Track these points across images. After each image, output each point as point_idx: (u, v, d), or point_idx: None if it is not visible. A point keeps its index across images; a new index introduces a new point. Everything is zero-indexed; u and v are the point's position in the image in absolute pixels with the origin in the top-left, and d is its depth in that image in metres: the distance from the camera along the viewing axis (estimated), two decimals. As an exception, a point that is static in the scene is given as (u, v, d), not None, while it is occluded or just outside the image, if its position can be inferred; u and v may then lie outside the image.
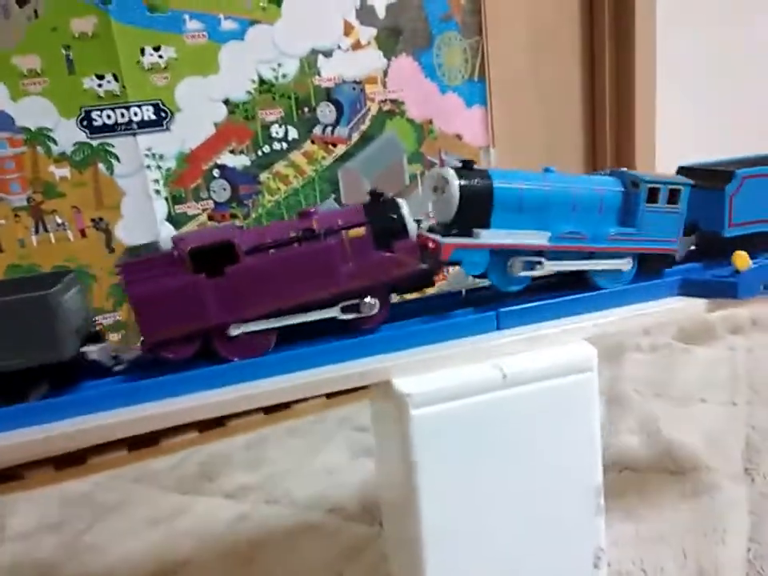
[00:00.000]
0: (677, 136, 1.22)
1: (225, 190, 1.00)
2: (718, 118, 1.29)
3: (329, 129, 1.05)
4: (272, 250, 0.46)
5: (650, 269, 0.56)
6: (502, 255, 0.51)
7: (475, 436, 0.47)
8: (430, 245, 0.49)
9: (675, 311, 0.54)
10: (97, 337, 0.49)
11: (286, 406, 1.06)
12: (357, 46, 1.04)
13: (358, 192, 1.08)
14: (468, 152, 1.15)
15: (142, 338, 0.46)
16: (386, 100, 1.07)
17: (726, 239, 0.57)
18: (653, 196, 0.53)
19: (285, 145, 1.02)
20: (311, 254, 0.46)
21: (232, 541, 0.79)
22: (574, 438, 0.50)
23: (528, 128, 1.20)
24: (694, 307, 0.54)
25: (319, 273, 0.46)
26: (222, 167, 0.99)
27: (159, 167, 0.96)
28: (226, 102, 0.98)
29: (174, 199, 0.98)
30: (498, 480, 0.49)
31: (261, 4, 0.97)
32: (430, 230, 0.51)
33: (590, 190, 0.53)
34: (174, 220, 0.98)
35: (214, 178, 0.99)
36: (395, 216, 0.49)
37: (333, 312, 0.48)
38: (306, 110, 1.02)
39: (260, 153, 1.01)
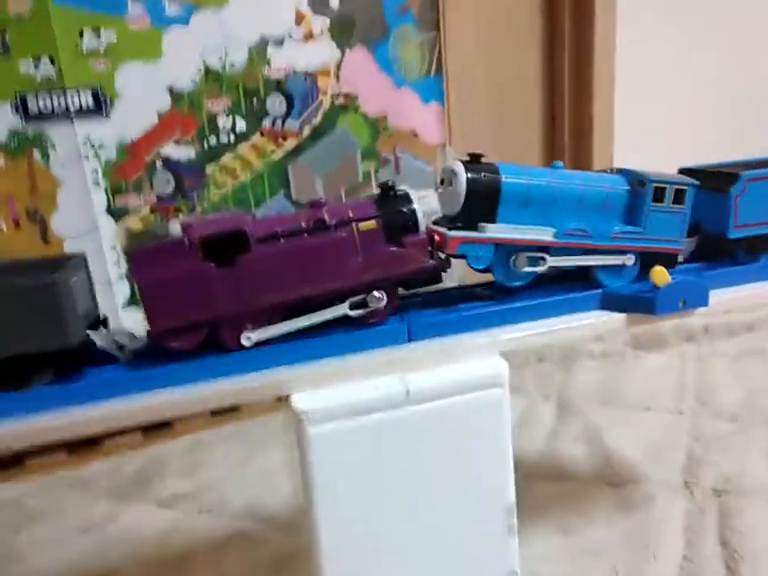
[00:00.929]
0: (635, 133, 1.21)
1: (169, 182, 0.97)
2: (677, 116, 1.28)
3: (279, 121, 1.02)
4: (282, 240, 0.45)
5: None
6: (506, 250, 0.50)
7: (377, 454, 0.45)
8: (436, 238, 0.49)
9: (594, 326, 0.52)
10: (102, 323, 0.48)
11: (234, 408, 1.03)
12: (309, 35, 1.01)
13: (309, 188, 1.06)
14: (424, 149, 1.13)
15: (148, 326, 0.45)
16: (339, 93, 1.04)
17: (729, 240, 0.57)
18: (658, 195, 0.53)
19: (232, 137, 0.99)
20: (322, 245, 0.46)
21: (160, 551, 0.76)
22: (484, 456, 0.48)
23: (485, 125, 1.17)
24: (613, 322, 0.52)
25: (330, 265, 0.46)
26: (165, 159, 0.96)
27: (98, 157, 0.92)
28: (170, 90, 0.94)
29: (115, 190, 0.94)
30: (403, 500, 0.47)
31: (208, -11, 0.93)
32: (435, 223, 0.51)
33: (596, 187, 0.53)
34: (113, 212, 0.94)
35: (158, 169, 0.96)
36: (407, 210, 0.48)
37: (342, 310, 0.47)
38: (254, 101, 0.99)
39: (206, 144, 0.98)
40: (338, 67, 1.04)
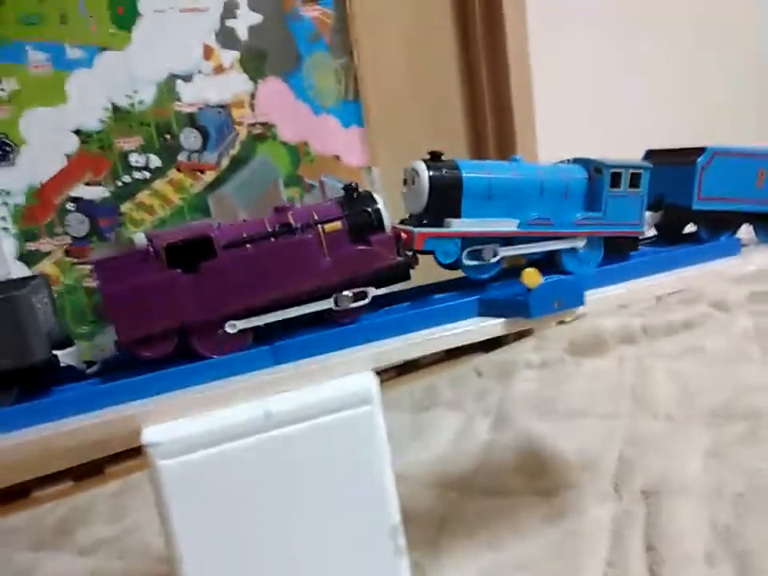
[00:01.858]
0: (557, 145, 1.22)
1: (82, 223, 0.96)
2: (600, 125, 1.29)
3: (195, 155, 1.01)
4: (249, 245, 0.46)
5: (617, 252, 0.57)
6: (472, 244, 0.52)
7: (241, 483, 0.44)
8: (403, 235, 0.50)
9: (472, 333, 0.51)
10: (67, 341, 0.48)
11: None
12: (219, 69, 1.01)
13: (233, 219, 1.05)
14: (348, 172, 1.13)
15: (116, 338, 0.45)
16: (255, 123, 1.05)
17: (694, 213, 0.59)
18: (615, 180, 0.55)
19: (147, 174, 0.99)
20: (288, 248, 0.46)
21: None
22: (361, 477, 0.47)
23: (409, 144, 1.18)
24: (492, 328, 0.51)
25: (297, 267, 0.46)
26: (76, 200, 0.95)
27: (6, 204, 0.91)
28: (77, 132, 0.94)
29: (26, 236, 0.93)
30: (275, 530, 0.45)
31: (109, 30, 0.93)
32: (402, 222, 0.52)
33: (556, 176, 0.55)
34: (26, 258, 0.93)
35: (69, 211, 0.95)
36: (371, 210, 0.49)
37: (326, 304, 0.48)
38: (168, 136, 0.99)
39: (120, 183, 0.97)
40: (252, 98, 1.04)
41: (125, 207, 0.98)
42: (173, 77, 0.98)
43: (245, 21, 1.01)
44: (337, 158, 1.12)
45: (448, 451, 0.94)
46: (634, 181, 0.56)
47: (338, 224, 0.48)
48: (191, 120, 1.00)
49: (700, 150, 0.59)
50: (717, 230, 0.62)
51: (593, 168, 0.55)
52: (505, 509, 0.79)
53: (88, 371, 0.48)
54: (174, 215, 1.01)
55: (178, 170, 1.01)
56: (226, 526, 0.44)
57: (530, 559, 0.70)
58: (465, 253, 0.52)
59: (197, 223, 0.48)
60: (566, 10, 1.25)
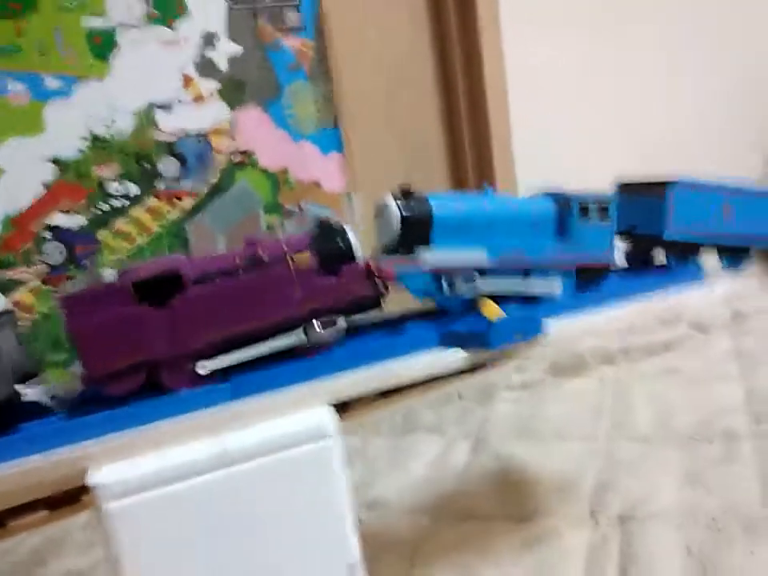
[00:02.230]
0: (534, 168, 1.24)
1: (60, 252, 0.96)
2: (574, 143, 1.31)
3: (174, 183, 1.02)
4: (218, 280, 0.46)
5: (588, 281, 0.58)
6: (443, 274, 0.52)
7: (194, 523, 0.43)
8: (374, 266, 0.50)
9: (433, 365, 0.51)
10: (34, 377, 0.48)
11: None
12: (199, 98, 1.02)
13: (211, 246, 1.06)
14: (328, 199, 1.14)
15: (82, 373, 0.44)
16: (235, 151, 1.06)
17: (665, 242, 0.61)
18: (584, 212, 0.56)
19: (125, 201, 0.99)
20: (258, 281, 0.46)
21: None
22: (318, 513, 0.47)
23: (389, 170, 1.19)
24: (454, 360, 0.52)
25: (267, 300, 0.46)
26: (54, 228, 0.95)
27: (-17, 233, 0.92)
28: (56, 160, 0.94)
29: (2, 264, 0.93)
30: (232, 570, 0.45)
31: (88, 61, 0.95)
32: (375, 253, 0.53)
33: (526, 209, 0.56)
34: (2, 287, 0.93)
35: (46, 240, 0.95)
36: (342, 241, 0.49)
37: (286, 341, 0.48)
38: (146, 165, 1.00)
39: (97, 211, 0.98)
40: (232, 126, 1.05)
41: (102, 235, 0.99)
42: (152, 106, 0.99)
43: (224, 51, 1.03)
44: (317, 184, 1.13)
45: (426, 476, 0.93)
46: (603, 212, 0.57)
47: (308, 256, 0.48)
48: (170, 148, 1.01)
49: (670, 183, 0.60)
50: (685, 257, 0.64)
51: (562, 201, 0.57)
52: (480, 534, 0.79)
53: (52, 405, 0.47)
54: (152, 243, 1.01)
55: (156, 197, 1.01)
56: (180, 567, 0.43)
57: (504, 587, 0.70)
58: (436, 282, 0.52)
59: (167, 258, 0.49)
60: (542, 28, 1.27)
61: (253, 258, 0.46)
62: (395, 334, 0.53)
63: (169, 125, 1.00)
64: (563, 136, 1.29)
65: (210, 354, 0.46)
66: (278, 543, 0.46)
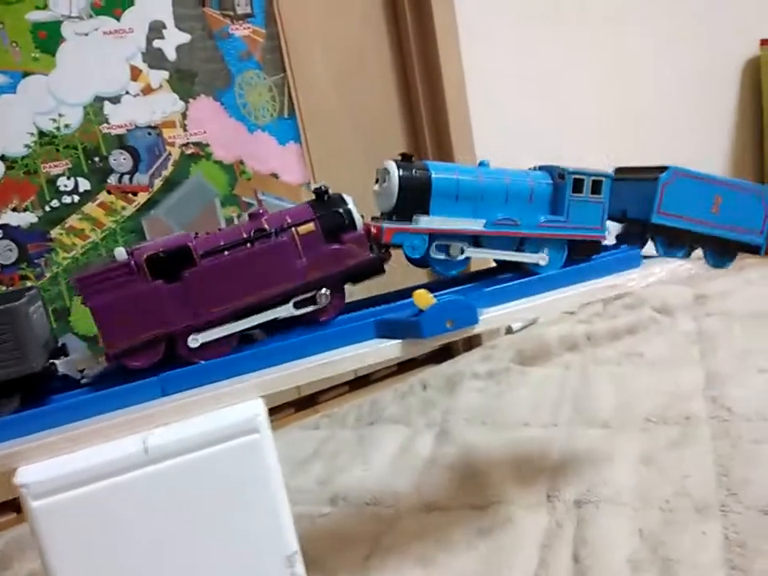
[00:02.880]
0: (494, 153, 1.23)
1: (11, 250, 0.94)
2: (530, 129, 1.30)
3: (126, 177, 1.00)
4: (227, 252, 0.47)
5: (580, 255, 0.59)
6: (440, 240, 0.54)
7: (122, 521, 0.43)
8: (373, 230, 0.52)
9: (367, 356, 0.51)
10: (61, 351, 0.49)
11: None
12: (148, 90, 1.00)
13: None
14: (286, 190, 1.12)
15: (105, 349, 0.46)
16: (188, 143, 1.04)
17: (652, 226, 0.61)
18: (578, 186, 0.57)
19: (76, 197, 0.97)
20: (265, 251, 0.48)
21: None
22: (252, 507, 0.46)
23: (349, 159, 1.18)
24: (388, 349, 0.51)
25: (274, 269, 0.48)
26: (4, 227, 0.93)
27: (-71, 232, 0.90)
28: (2, 157, 0.92)
29: (-50, 265, 0.91)
30: (162, 568, 0.44)
31: (32, 55, 0.92)
32: (373, 219, 0.55)
33: (522, 181, 0.57)
34: (-49, 287, 0.91)
35: (-4, 239, 0.93)
36: (342, 210, 0.50)
37: (286, 310, 0.49)
38: (96, 159, 0.98)
39: (48, 208, 0.96)
40: (184, 118, 1.03)
41: (54, 232, 0.97)
42: (99, 99, 0.97)
43: (172, 41, 1.01)
44: (275, 175, 1.11)
45: (389, 467, 0.93)
46: (596, 188, 0.58)
47: (311, 226, 0.49)
48: (120, 142, 0.99)
49: (663, 169, 0.62)
50: (672, 246, 0.64)
51: (557, 174, 0.58)
52: (440, 524, 0.78)
53: (83, 381, 0.49)
54: (106, 238, 1.00)
55: (109, 192, 0.99)
56: (108, 565, 0.43)
57: (461, 573, 0.70)
58: (433, 247, 0.54)
59: (176, 235, 0.50)
60: (498, 21, 1.26)
61: (257, 230, 0.48)
62: (329, 326, 0.52)
63: (118, 118, 0.98)
64: (523, 121, 1.28)
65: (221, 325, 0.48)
66: (211, 539, 0.45)
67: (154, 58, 1.00)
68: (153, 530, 0.43)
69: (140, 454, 0.43)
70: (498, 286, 0.55)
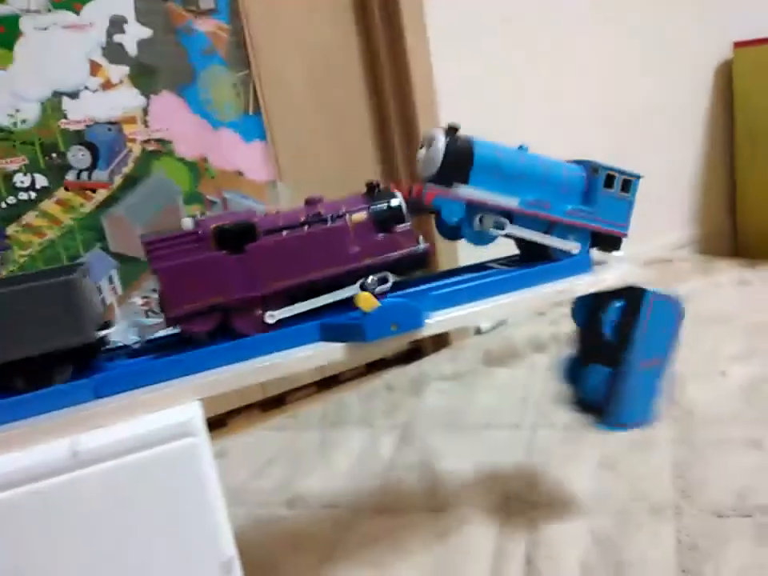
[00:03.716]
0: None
1: (-35, 247, 0.92)
2: (499, 126, 1.30)
3: (84, 174, 0.98)
4: (284, 232, 0.50)
5: (602, 248, 0.62)
6: (475, 212, 0.56)
7: (50, 525, 0.41)
8: (414, 190, 0.55)
9: (310, 359, 0.50)
10: (107, 326, 0.50)
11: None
12: (108, 85, 0.98)
13: (129, 238, 1.02)
14: (252, 188, 1.11)
15: (165, 312, 0.47)
16: (149, 140, 1.02)
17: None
18: (609, 182, 0.59)
19: (33, 194, 0.95)
20: (321, 234, 0.51)
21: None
22: (187, 512, 0.45)
23: (315, 157, 1.17)
24: (331, 353, 0.50)
25: (328, 252, 0.51)
26: (-42, 224, 0.91)
27: None
28: (-44, 153, 0.90)
29: None
30: (95, 574, 0.43)
31: (-12, 49, 0.90)
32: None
33: (557, 169, 0.59)
34: None
35: (-51, 236, 0.91)
36: (393, 203, 0.54)
37: (353, 290, 0.52)
38: (54, 155, 0.96)
39: (4, 205, 0.94)
40: (145, 113, 1.02)
41: (11, 230, 0.94)
42: (58, 94, 0.95)
43: (133, 36, 0.99)
44: (239, 173, 1.10)
45: (350, 470, 0.92)
46: (626, 186, 0.60)
47: (363, 215, 0.52)
48: (79, 138, 0.97)
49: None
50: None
51: (591, 168, 0.60)
52: (397, 528, 0.78)
53: (133, 349, 0.51)
54: (63, 236, 0.98)
55: (67, 189, 0.97)
56: (39, 572, 0.41)
57: (412, 578, 0.69)
58: (467, 218, 0.56)
59: (239, 212, 0.53)
60: (464, 13, 1.25)
61: (314, 214, 0.51)
62: (275, 328, 0.51)
63: (77, 113, 0.96)
64: (492, 118, 1.28)
65: (275, 303, 0.50)
66: (143, 546, 0.44)
67: (115, 52, 0.98)
68: (82, 536, 0.42)
69: (68, 458, 0.41)
70: (447, 290, 0.55)
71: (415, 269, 0.55)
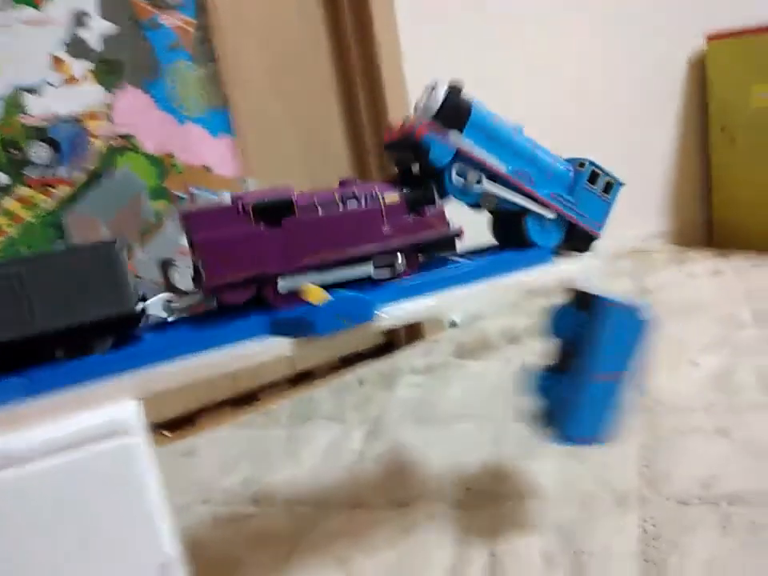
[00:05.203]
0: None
1: None
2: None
3: (46, 170, 0.97)
4: (320, 209, 0.51)
5: (575, 243, 0.61)
6: (463, 162, 0.56)
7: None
8: (407, 125, 0.56)
9: (258, 354, 0.49)
10: (143, 299, 0.50)
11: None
12: (71, 80, 0.97)
13: (93, 235, 1.01)
14: (220, 183, 1.10)
15: (204, 282, 0.48)
16: (114, 135, 1.01)
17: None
18: (593, 178, 0.60)
19: (-7, 191, 0.94)
20: (354, 212, 0.52)
21: None
22: (122, 513, 0.44)
23: (284, 152, 1.16)
24: (279, 347, 0.49)
25: (361, 230, 0.52)
26: None
27: None
28: None
29: None
30: None
31: (-55, 43, 0.89)
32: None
33: (547, 156, 0.60)
34: None
35: None
36: (423, 186, 0.55)
37: (366, 270, 0.53)
38: (14, 151, 0.94)
39: (-37, 202, 0.92)
40: (110, 109, 1.00)
41: (-30, 227, 0.93)
42: (19, 90, 0.94)
43: (97, 31, 0.98)
44: (207, 168, 1.09)
45: (318, 465, 0.92)
46: (608, 188, 0.61)
47: (396, 196, 0.54)
48: (41, 134, 0.96)
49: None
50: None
51: (578, 163, 0.60)
52: (362, 522, 0.77)
53: (170, 321, 0.52)
54: (24, 233, 0.96)
55: (28, 186, 0.96)
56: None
57: (375, 572, 0.69)
58: (453, 168, 0.56)
59: (276, 189, 0.53)
60: (435, 6, 1.25)
61: (349, 194, 0.53)
62: (222, 322, 0.50)
63: (38, 109, 0.95)
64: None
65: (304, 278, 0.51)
66: (78, 547, 0.43)
67: (78, 48, 0.97)
68: (8, 542, 0.41)
69: (-3, 457, 0.41)
70: (405, 283, 0.54)
71: (444, 250, 0.56)
